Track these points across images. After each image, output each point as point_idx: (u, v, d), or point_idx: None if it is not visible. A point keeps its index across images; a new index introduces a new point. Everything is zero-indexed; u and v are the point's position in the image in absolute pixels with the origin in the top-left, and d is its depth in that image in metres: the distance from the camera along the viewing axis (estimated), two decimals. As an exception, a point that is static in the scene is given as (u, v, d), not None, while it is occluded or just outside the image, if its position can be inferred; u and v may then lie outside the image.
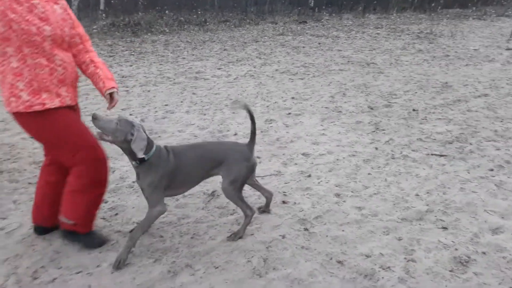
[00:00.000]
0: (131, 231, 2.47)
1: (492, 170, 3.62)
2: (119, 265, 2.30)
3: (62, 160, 2.36)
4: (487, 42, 9.83)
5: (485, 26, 12.33)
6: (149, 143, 2.26)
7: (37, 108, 2.13)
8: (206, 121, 4.73)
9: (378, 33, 10.81)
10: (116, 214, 2.87)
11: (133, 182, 3.33)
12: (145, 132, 2.25)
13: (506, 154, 3.93)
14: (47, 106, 2.15)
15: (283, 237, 2.65)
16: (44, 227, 2.60)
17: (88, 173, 2.30)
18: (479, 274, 2.35)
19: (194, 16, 12.71)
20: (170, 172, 2.33)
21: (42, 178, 2.53)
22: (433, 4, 15.01)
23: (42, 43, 2.08)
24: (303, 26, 11.77)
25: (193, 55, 8.14)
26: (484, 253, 2.54)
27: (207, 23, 11.92)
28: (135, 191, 3.20)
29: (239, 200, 2.56)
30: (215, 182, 3.34)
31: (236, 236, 2.61)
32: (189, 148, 2.53)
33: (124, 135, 2.16)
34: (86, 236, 2.48)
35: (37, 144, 4.08)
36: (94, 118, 2.17)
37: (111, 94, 2.38)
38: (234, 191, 2.51)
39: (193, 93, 5.75)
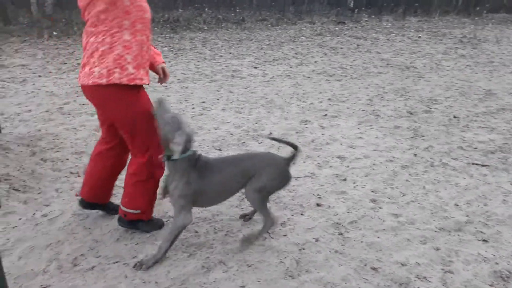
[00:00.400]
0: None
1: (537, 183, 3.46)
2: (140, 268, 2.30)
3: (133, 143, 2.37)
4: (536, 49, 9.40)
5: (534, 32, 11.80)
6: (186, 147, 2.21)
7: (138, 82, 2.23)
8: (242, 119, 4.76)
9: (419, 36, 10.53)
10: (154, 207, 2.94)
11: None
12: (188, 138, 2.22)
13: (554, 167, 3.74)
14: (144, 81, 2.28)
15: (317, 240, 2.63)
16: (92, 202, 2.70)
17: (155, 156, 2.39)
18: (521, 291, 2.25)
19: (232, 14, 12.81)
20: (196, 182, 2.28)
21: (100, 162, 2.58)
22: (478, 8, 14.47)
23: (148, 22, 2.26)
24: (341, 27, 11.63)
25: (230, 53, 8.21)
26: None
27: (245, 22, 11.98)
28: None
29: (263, 208, 2.49)
30: (250, 180, 3.36)
31: (247, 241, 2.52)
32: (223, 162, 2.44)
33: (168, 132, 2.19)
34: (149, 222, 2.62)
35: (79, 135, 4.24)
36: (160, 102, 2.25)
37: (163, 69, 2.57)
38: (258, 198, 2.44)
39: (230, 91, 5.80)
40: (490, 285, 2.29)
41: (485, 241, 2.68)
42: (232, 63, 7.40)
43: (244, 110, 5.07)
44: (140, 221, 2.59)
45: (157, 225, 2.68)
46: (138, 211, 2.52)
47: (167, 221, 2.77)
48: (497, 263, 2.47)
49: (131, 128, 2.33)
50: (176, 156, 2.15)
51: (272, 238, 2.62)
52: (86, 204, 2.70)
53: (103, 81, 2.17)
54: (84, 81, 2.23)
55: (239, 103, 5.31)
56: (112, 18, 2.13)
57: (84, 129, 4.41)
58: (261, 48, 8.74)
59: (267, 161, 2.47)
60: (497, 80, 6.75)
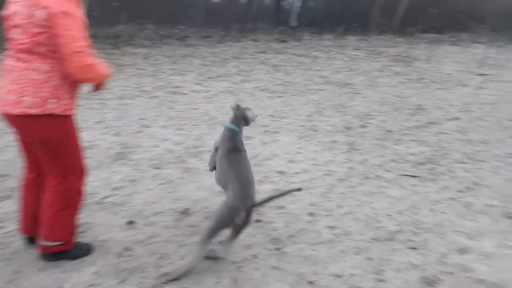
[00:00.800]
0: None
1: (461, 191, 3.70)
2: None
3: (52, 166, 2.26)
4: (461, 67, 10.17)
5: (459, 52, 12.78)
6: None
7: (70, 112, 2.20)
8: (182, 136, 4.69)
9: (357, 55, 11.06)
10: (83, 231, 2.79)
11: (102, 198, 3.26)
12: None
13: (475, 176, 4.03)
14: (73, 111, 2.24)
15: (255, 256, 2.62)
16: (34, 237, 2.51)
17: (75, 183, 2.31)
18: (446, 295, 2.37)
19: (176, 30, 12.75)
20: None
21: (34, 193, 2.42)
22: (411, 29, 15.48)
23: None
24: (284, 45, 11.94)
25: (172, 69, 8.14)
26: (451, 273, 2.57)
27: (189, 38, 11.97)
28: (104, 208, 3.12)
29: (201, 242, 2.33)
30: (187, 199, 3.30)
31: (169, 277, 2.32)
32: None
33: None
34: (73, 250, 2.45)
35: (4, 156, 3.96)
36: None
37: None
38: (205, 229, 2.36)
39: (170, 108, 5.72)
40: (418, 292, 2.40)
41: (414, 248, 2.82)
42: (174, 80, 7.32)
43: (185, 127, 5.01)
44: (65, 252, 2.42)
45: (84, 250, 2.52)
46: (60, 243, 2.36)
47: (96, 246, 2.63)
48: (424, 269, 2.59)
49: (53, 151, 2.22)
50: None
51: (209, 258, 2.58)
52: (30, 240, 2.53)
53: (35, 111, 2.08)
54: (10, 109, 2.10)
55: (180, 120, 5.25)
56: (50, 47, 2.05)
57: (10, 150, 4.14)
58: (205, 65, 8.75)
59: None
60: (427, 95, 7.21)
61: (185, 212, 3.11)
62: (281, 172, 3.92)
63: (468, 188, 3.79)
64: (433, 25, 16.11)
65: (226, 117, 5.45)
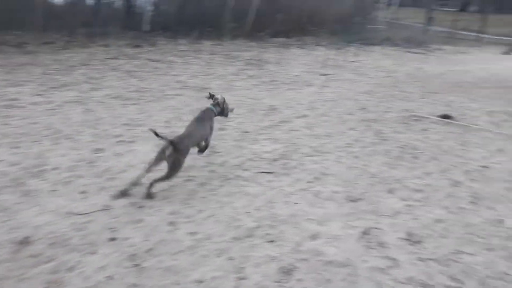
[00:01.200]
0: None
1: (311, 182, 4.03)
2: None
3: None
4: (307, 68, 11.17)
5: (305, 54, 14.02)
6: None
7: None
8: (19, 155, 4.11)
9: (212, 59, 11.27)
10: None
11: None
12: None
13: (322, 167, 4.43)
14: None
15: (110, 278, 2.43)
16: None
17: None
18: (301, 280, 2.53)
19: (11, 36, 11.24)
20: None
21: None
22: (261, 33, 16.44)
23: None
24: (138, 50, 11.51)
25: (6, 80, 7.12)
26: (305, 259, 2.76)
27: (27, 45, 10.67)
28: None
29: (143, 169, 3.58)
30: (27, 226, 2.90)
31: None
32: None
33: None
34: None
35: None
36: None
37: None
38: None
39: (5, 124, 4.98)
40: (277, 282, 2.51)
41: (272, 241, 2.95)
42: (8, 91, 6.41)
43: (22, 144, 4.40)
44: None
45: None
46: None
47: None
48: (282, 260, 2.73)
49: None
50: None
51: (55, 288, 2.29)
52: None
53: None
54: None
55: (16, 136, 4.60)
56: None
57: None
58: (47, 74, 7.87)
59: None
60: (279, 96, 7.72)
61: (24, 242, 2.72)
62: (138, 184, 3.72)
63: (316, 178, 4.14)
64: (281, 30, 17.39)
65: (72, 130, 4.98)
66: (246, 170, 4.21)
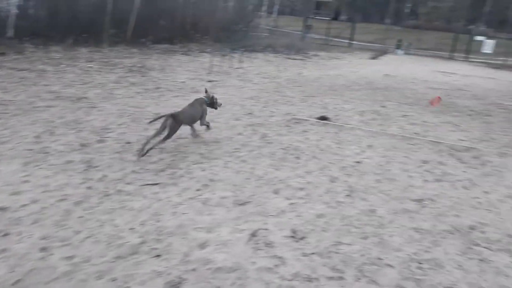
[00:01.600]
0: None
1: (199, 190, 3.98)
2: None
3: None
4: (193, 75, 11.10)
5: (190, 61, 13.94)
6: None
7: None
8: None
9: (90, 67, 10.55)
10: None
11: None
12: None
13: (210, 173, 4.41)
14: None
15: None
16: None
17: None
18: (190, 293, 2.46)
19: None
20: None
21: None
22: (143, 39, 15.92)
23: None
24: (1, 59, 10.25)
25: None
26: (194, 269, 2.70)
27: None
28: None
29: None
30: None
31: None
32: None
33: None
34: None
35: None
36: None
37: None
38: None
39: None
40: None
41: (158, 256, 2.82)
42: None
43: None
44: None
45: None
46: None
47: None
48: (169, 274, 2.63)
49: None
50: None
51: None
52: None
53: None
54: None
55: None
56: None
57: None
58: None
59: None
60: (164, 104, 7.52)
61: None
62: (2, 209, 3.28)
63: (205, 185, 4.11)
64: (164, 36, 17.07)
65: None
66: (129, 183, 3.98)
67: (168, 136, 4.77)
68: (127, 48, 14.85)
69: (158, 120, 4.86)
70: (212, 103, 5.60)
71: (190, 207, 3.60)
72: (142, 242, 2.96)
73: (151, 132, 4.96)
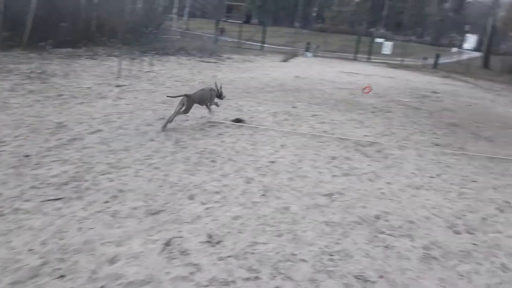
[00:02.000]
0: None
1: (107, 202, 3.76)
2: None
3: None
4: (99, 80, 10.50)
5: (96, 65, 13.19)
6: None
7: None
8: None
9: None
10: None
11: None
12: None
13: (120, 184, 4.20)
14: None
15: None
16: None
17: None
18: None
19: None
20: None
21: None
22: (42, 43, 14.73)
23: None
24: None
25: None
26: (102, 287, 2.53)
27: None
28: None
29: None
30: None
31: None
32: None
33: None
34: None
35: None
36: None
37: None
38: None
39: None
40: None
41: (62, 276, 2.61)
42: None
43: None
44: None
45: None
46: None
47: None
48: (74, 296, 2.43)
49: None
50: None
51: None
52: None
53: None
54: None
55: None
56: None
57: None
58: None
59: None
60: (68, 112, 7.01)
61: None
62: None
63: (114, 196, 3.89)
64: (67, 40, 15.96)
65: None
66: (27, 200, 3.63)
67: (186, 110, 6.34)
68: (24, 52, 13.63)
69: (176, 98, 6.69)
70: (220, 93, 7.11)
71: (97, 221, 3.38)
72: (43, 263, 2.71)
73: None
